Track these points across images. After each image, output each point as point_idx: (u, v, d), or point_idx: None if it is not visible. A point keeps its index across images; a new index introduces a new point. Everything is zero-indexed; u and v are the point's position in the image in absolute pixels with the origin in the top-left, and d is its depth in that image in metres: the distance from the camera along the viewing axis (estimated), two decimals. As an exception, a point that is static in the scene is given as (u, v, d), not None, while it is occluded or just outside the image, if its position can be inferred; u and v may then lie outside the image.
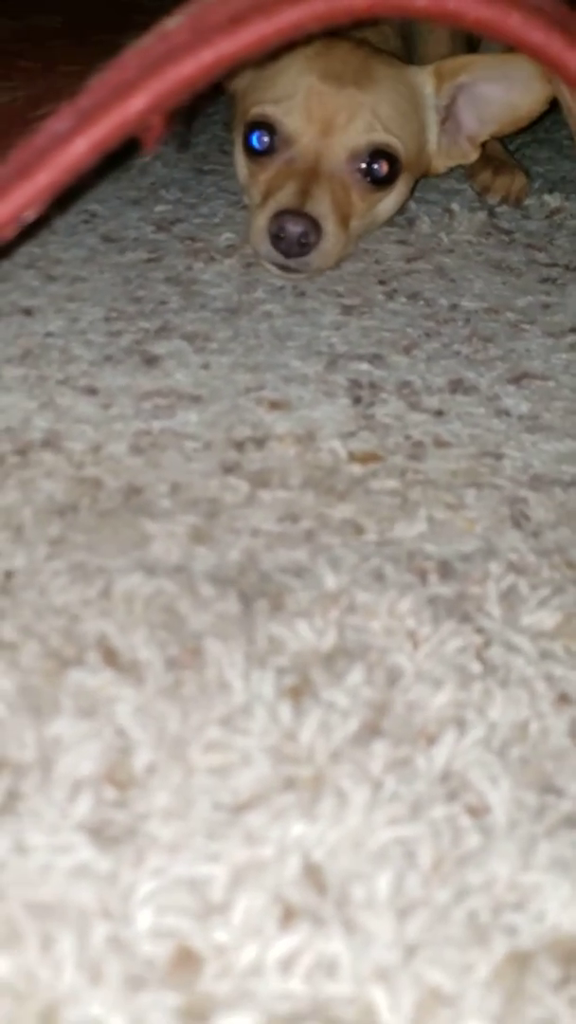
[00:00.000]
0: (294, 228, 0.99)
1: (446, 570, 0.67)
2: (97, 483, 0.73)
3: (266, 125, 1.04)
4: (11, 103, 1.35)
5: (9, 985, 0.44)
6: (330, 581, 0.65)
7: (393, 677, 0.59)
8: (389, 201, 1.10)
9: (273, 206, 1.00)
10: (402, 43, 1.19)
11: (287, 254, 1.00)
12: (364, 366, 0.90)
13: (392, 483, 0.75)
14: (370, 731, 0.55)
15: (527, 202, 1.25)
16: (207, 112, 1.43)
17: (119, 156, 1.23)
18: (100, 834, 0.49)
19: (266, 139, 1.04)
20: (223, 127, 1.34)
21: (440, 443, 0.80)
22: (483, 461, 0.78)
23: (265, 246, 1.01)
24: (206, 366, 0.89)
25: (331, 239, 1.01)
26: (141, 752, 0.53)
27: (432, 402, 0.86)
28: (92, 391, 0.84)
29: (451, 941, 0.46)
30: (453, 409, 0.85)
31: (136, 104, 0.53)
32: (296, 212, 0.99)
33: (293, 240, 0.99)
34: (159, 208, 1.18)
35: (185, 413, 0.82)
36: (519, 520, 0.72)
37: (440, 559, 0.68)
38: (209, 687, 0.58)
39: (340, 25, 0.54)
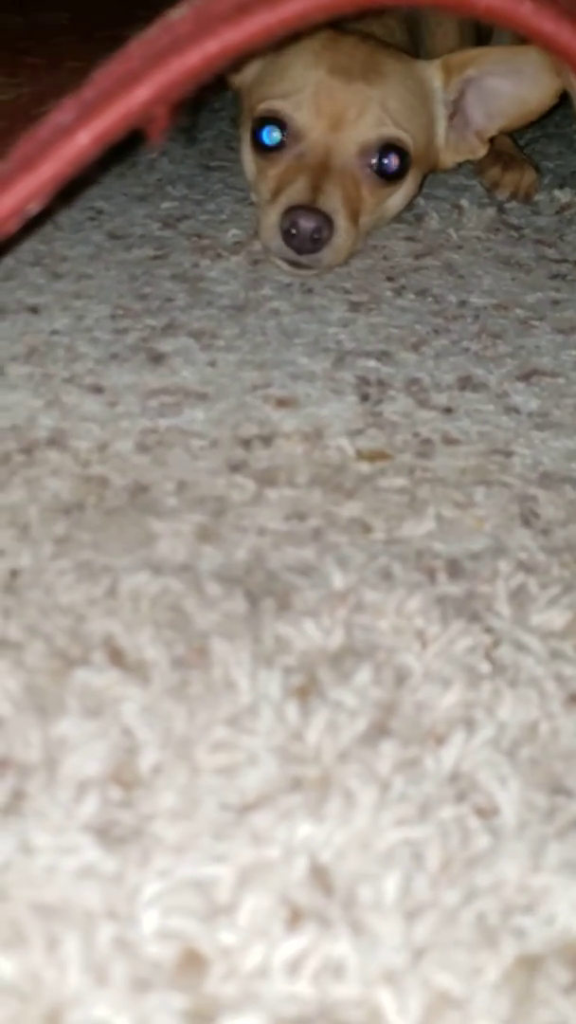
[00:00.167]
0: (307, 224, 0.98)
1: (455, 569, 0.66)
2: (103, 481, 0.73)
3: (275, 120, 1.03)
4: (16, 100, 1.35)
5: (14, 986, 0.43)
6: (337, 580, 0.65)
7: (401, 677, 0.58)
8: (398, 196, 1.09)
9: (284, 202, 0.99)
10: (408, 37, 1.19)
11: (299, 250, 1.00)
12: (372, 363, 0.90)
13: (400, 481, 0.75)
14: (378, 731, 0.55)
15: (537, 198, 1.24)
16: (214, 108, 1.42)
17: (126, 151, 1.24)
18: (106, 835, 0.49)
19: (277, 134, 1.03)
20: (230, 123, 1.33)
21: (449, 440, 0.80)
22: (492, 459, 0.78)
23: (277, 242, 1.00)
24: (213, 363, 0.88)
25: (343, 235, 1.00)
26: (147, 752, 0.53)
27: (441, 399, 0.85)
28: (98, 389, 0.84)
29: (459, 943, 0.45)
30: (462, 406, 0.84)
31: (140, 95, 0.52)
32: (308, 208, 0.98)
33: (306, 236, 0.99)
34: (166, 205, 1.18)
35: (192, 411, 0.82)
36: (528, 518, 0.72)
37: (449, 558, 0.67)
38: (215, 687, 0.57)
39: (344, 17, 0.53)
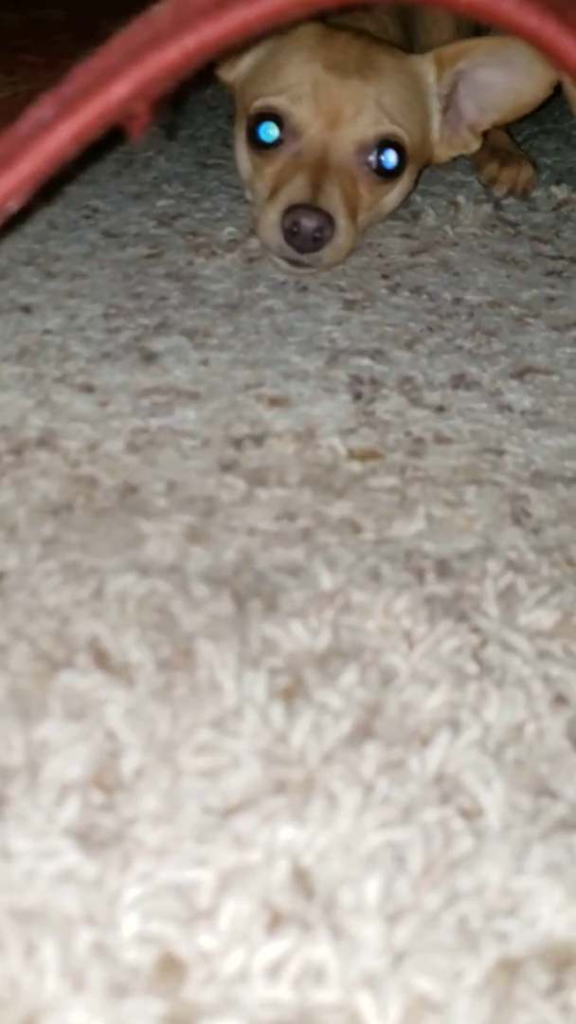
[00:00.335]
0: (308, 223, 0.98)
1: (444, 569, 0.66)
2: (92, 482, 0.73)
3: (272, 116, 1.03)
4: (12, 98, 1.34)
5: (-9, 993, 0.43)
6: (326, 580, 0.65)
7: (387, 678, 0.58)
8: (395, 193, 1.09)
9: (284, 201, 0.99)
10: (402, 32, 1.18)
11: (301, 249, 0.99)
12: (365, 361, 0.89)
13: (391, 480, 0.74)
14: (363, 733, 0.55)
15: (534, 194, 1.24)
16: (211, 105, 1.42)
17: (123, 149, 1.23)
18: (86, 839, 0.49)
19: (274, 131, 1.03)
20: (226, 120, 1.33)
21: (441, 439, 0.79)
22: (484, 457, 0.77)
23: (277, 241, 0.99)
24: (205, 362, 0.88)
25: (343, 234, 1.00)
26: (130, 755, 0.53)
27: (433, 398, 0.85)
28: (89, 388, 0.83)
29: (441, 947, 0.45)
30: (455, 405, 0.84)
31: (118, 91, 0.52)
32: (310, 207, 0.98)
33: (308, 235, 0.98)
34: (161, 203, 1.18)
35: (183, 410, 0.81)
36: (519, 517, 0.71)
37: (438, 558, 0.67)
38: (200, 689, 0.57)
39: (332, 12, 0.53)
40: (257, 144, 1.04)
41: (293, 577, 0.65)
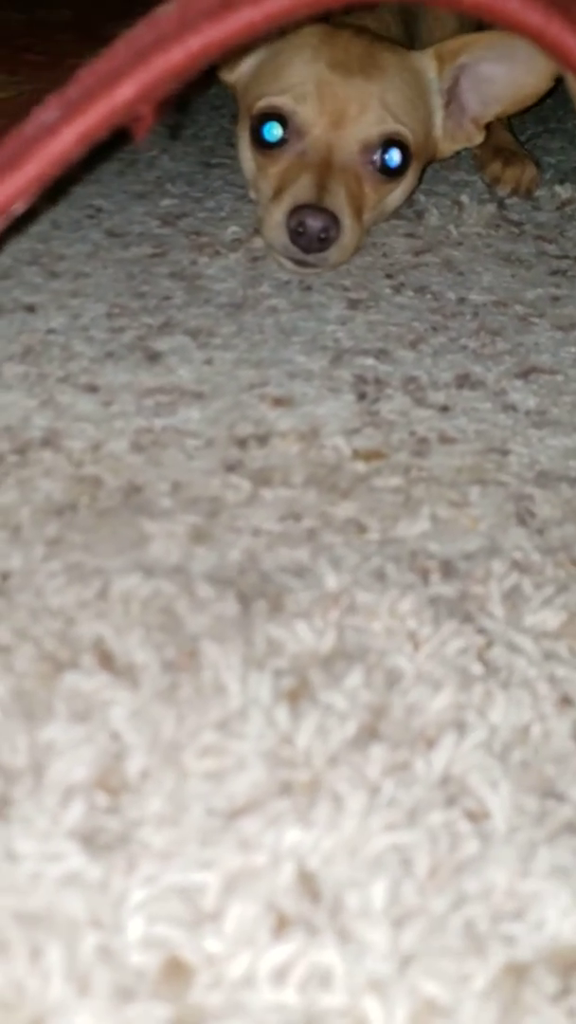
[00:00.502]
0: (314, 223, 0.98)
1: (448, 569, 0.66)
2: (97, 482, 0.72)
3: (276, 116, 1.02)
4: (16, 97, 1.34)
5: (-4, 996, 0.43)
6: (331, 581, 0.64)
7: (392, 679, 0.58)
8: (400, 191, 1.09)
9: (290, 201, 0.99)
10: (404, 30, 1.18)
11: (307, 249, 0.99)
12: (370, 361, 0.89)
13: (396, 481, 0.74)
14: (368, 734, 0.54)
15: (538, 193, 1.23)
16: (215, 105, 1.42)
17: (125, 149, 1.23)
18: (91, 841, 0.49)
19: (278, 130, 1.02)
20: (230, 120, 1.32)
21: (445, 439, 0.79)
22: (489, 457, 0.77)
23: (283, 241, 0.99)
24: (209, 362, 0.88)
25: (348, 233, 1.00)
26: (135, 757, 0.52)
27: (438, 397, 0.85)
28: (93, 388, 0.83)
29: (447, 951, 0.45)
30: (459, 404, 0.84)
31: (123, 93, 0.52)
32: (316, 207, 0.98)
33: (314, 236, 0.98)
34: (165, 202, 1.17)
35: (187, 410, 0.81)
36: (524, 517, 0.71)
37: (443, 558, 0.67)
38: (205, 690, 0.57)
39: (335, 11, 0.53)
40: (261, 144, 1.04)
41: (298, 578, 0.65)
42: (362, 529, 0.69)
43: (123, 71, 0.52)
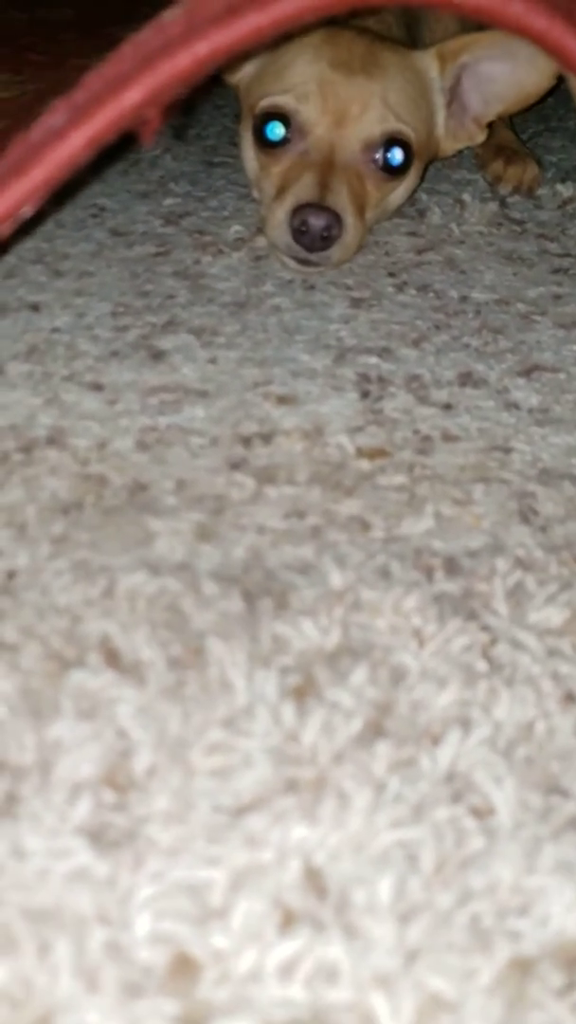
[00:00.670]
0: (317, 222, 0.98)
1: (452, 567, 0.66)
2: (102, 480, 0.73)
3: (279, 115, 1.03)
4: (19, 97, 1.34)
5: (5, 992, 0.43)
6: (336, 579, 0.65)
7: (398, 676, 0.58)
8: (402, 189, 1.09)
9: (292, 200, 0.99)
10: (406, 32, 1.18)
11: (310, 248, 0.99)
12: (373, 360, 0.89)
13: (400, 478, 0.74)
14: (374, 731, 0.55)
15: (539, 192, 1.24)
16: (217, 104, 1.42)
17: (128, 149, 1.23)
18: (99, 838, 0.49)
19: (281, 130, 1.03)
20: (233, 119, 1.33)
21: (448, 437, 0.79)
22: (492, 455, 0.77)
23: (286, 240, 1.00)
24: (213, 361, 0.88)
25: (351, 232, 1.00)
26: (141, 754, 0.53)
27: (441, 396, 0.85)
28: (98, 387, 0.83)
29: (453, 946, 0.45)
30: (462, 403, 0.84)
31: (131, 98, 0.52)
32: (318, 206, 0.98)
33: (316, 234, 0.98)
34: (168, 201, 1.18)
35: (192, 408, 0.81)
36: (527, 515, 0.71)
37: (447, 556, 0.67)
38: (211, 687, 0.57)
39: (336, 16, 0.53)
40: (264, 143, 1.04)
41: (303, 575, 0.65)
42: (366, 527, 0.70)
43: (130, 76, 0.52)
